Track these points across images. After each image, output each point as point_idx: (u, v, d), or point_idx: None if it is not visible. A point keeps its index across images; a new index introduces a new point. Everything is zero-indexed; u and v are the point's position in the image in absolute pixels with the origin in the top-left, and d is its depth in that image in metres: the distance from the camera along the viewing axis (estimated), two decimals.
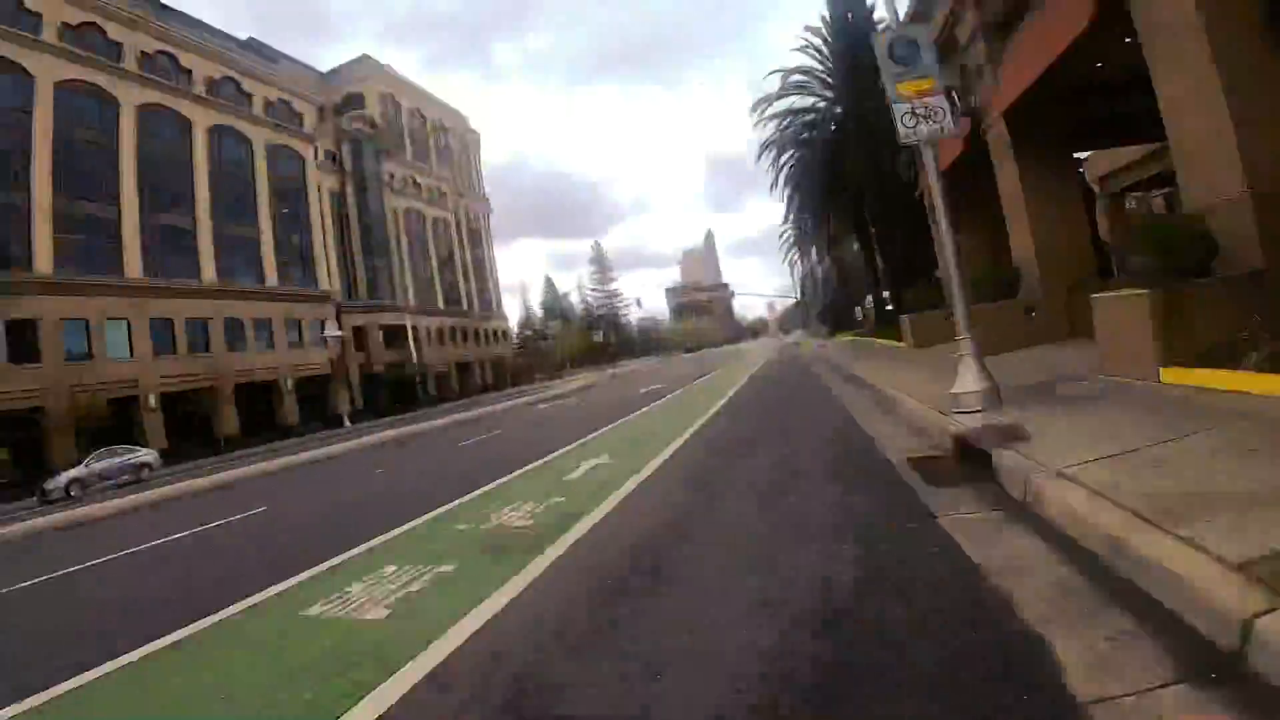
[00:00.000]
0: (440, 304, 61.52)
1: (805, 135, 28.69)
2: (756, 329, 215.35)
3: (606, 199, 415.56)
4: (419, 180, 63.12)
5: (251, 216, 44.38)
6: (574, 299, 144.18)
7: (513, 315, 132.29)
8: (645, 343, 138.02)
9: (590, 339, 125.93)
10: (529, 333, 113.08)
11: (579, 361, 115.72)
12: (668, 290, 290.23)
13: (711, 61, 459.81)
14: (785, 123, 28.71)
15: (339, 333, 41.92)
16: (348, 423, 40.08)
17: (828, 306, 54.29)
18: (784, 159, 29.40)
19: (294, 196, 48.02)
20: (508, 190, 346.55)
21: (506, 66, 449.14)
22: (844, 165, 25.52)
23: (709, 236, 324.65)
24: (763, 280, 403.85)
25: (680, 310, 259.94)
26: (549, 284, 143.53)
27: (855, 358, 16.63)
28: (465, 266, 68.58)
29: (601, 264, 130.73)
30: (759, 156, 29.26)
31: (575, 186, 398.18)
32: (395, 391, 53.00)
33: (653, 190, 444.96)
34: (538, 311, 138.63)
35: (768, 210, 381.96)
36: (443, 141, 71.61)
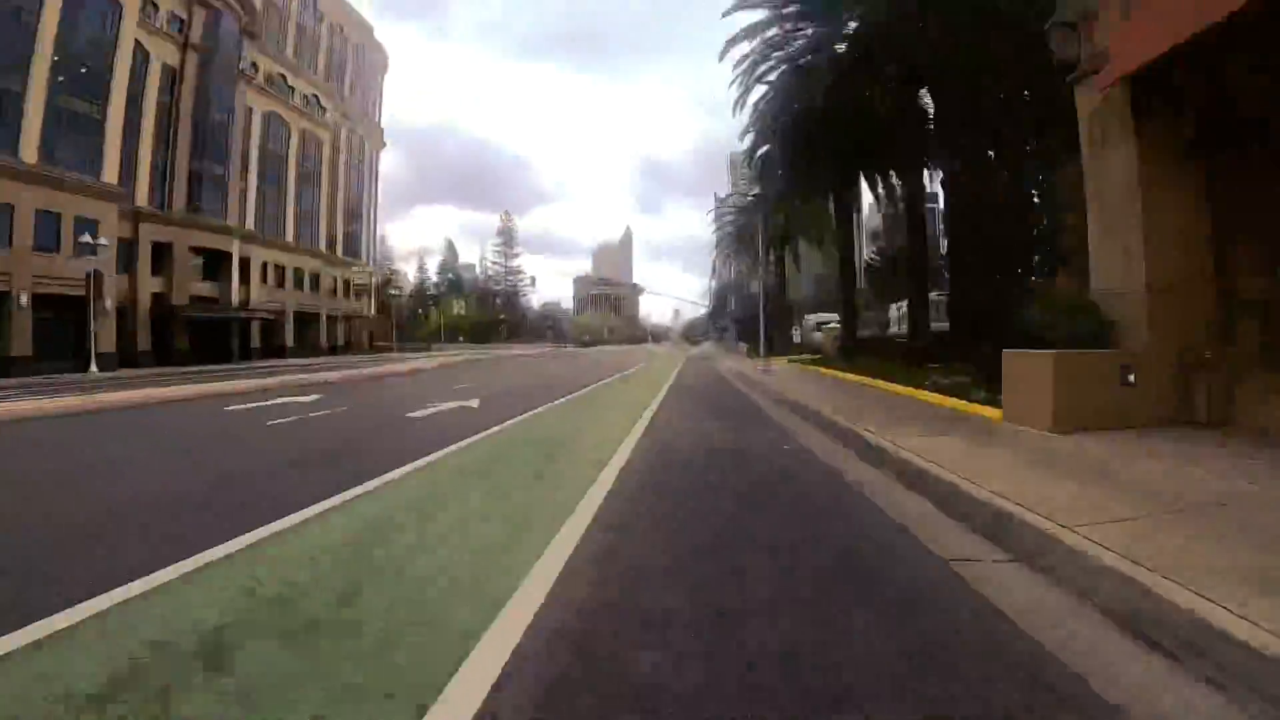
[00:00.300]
0: (290, 238, 50.05)
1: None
2: (658, 334, 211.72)
3: (531, 179, 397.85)
4: (292, 81, 51.27)
5: (20, 64, 32.11)
6: (477, 271, 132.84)
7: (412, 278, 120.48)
8: (541, 328, 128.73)
9: (484, 313, 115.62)
10: (394, 294, 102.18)
11: (464, 335, 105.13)
12: (576, 280, 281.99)
13: (659, 66, 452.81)
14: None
15: (103, 241, 30.56)
16: (94, 367, 29.01)
17: (763, 318, 48.30)
18: (765, 67, 21.80)
19: (96, 54, 35.78)
20: (433, 152, 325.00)
21: (459, 26, 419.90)
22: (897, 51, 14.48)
23: (627, 234, 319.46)
24: (677, 291, 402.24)
25: (586, 302, 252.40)
26: (450, 247, 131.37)
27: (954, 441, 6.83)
28: (335, 200, 57.03)
29: (508, 237, 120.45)
30: (722, 55, 21.69)
31: (502, 160, 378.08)
32: (202, 335, 41.47)
33: (579, 179, 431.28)
34: (433, 277, 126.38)
35: (688, 218, 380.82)
36: (338, 47, 59.66)
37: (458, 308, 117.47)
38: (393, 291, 72.96)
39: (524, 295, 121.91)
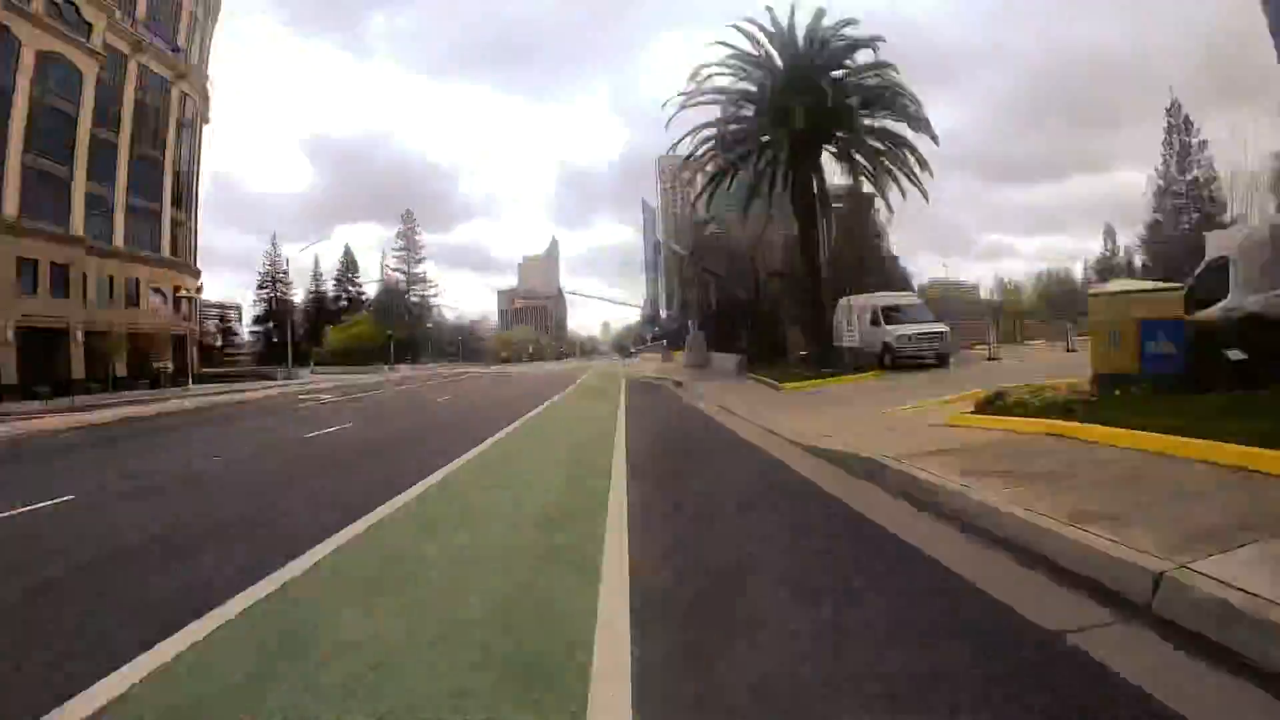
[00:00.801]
0: (11, 211, 31.49)
1: None
2: (587, 348, 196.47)
3: (457, 194, 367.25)
4: None
5: None
6: (392, 282, 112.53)
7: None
8: (452, 343, 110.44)
9: (385, 329, 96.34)
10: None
11: (337, 357, 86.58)
12: (500, 292, 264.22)
13: (577, 79, 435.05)
14: None
15: None
16: None
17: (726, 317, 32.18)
18: None
19: None
20: (353, 169, 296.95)
21: (377, 41, 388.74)
22: None
23: (553, 245, 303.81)
24: (600, 301, 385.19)
25: (511, 316, 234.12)
26: (346, 256, 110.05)
27: None
28: (112, 164, 38.50)
29: (409, 239, 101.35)
30: None
31: (426, 177, 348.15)
32: None
33: (505, 194, 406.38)
34: (330, 292, 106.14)
35: (613, 230, 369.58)
36: None
37: (354, 324, 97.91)
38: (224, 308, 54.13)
39: (433, 307, 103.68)
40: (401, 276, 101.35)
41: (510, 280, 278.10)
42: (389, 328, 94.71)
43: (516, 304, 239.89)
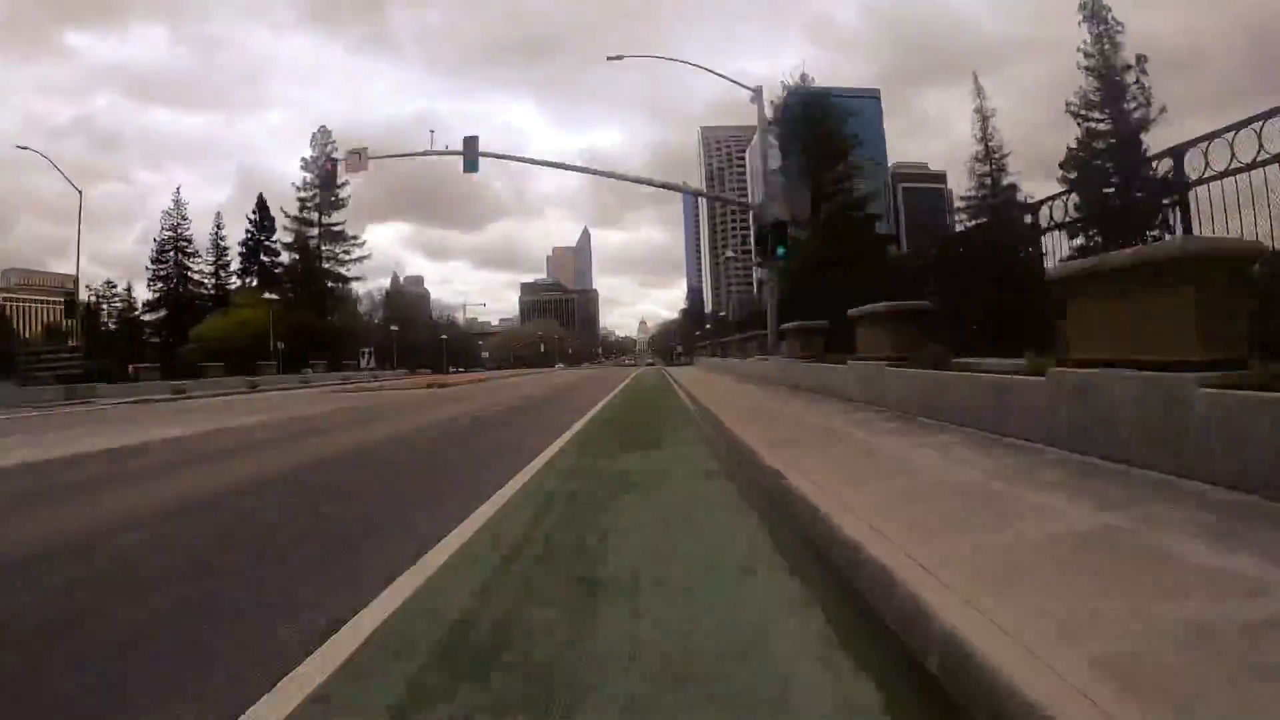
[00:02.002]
0: None
1: None
2: (612, 349, 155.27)
3: (489, 192, 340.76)
4: None
5: None
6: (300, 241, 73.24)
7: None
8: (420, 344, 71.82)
9: (300, 313, 57.71)
10: None
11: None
12: (523, 285, 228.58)
13: (609, 73, 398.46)
14: None
15: None
16: None
17: None
18: None
19: None
20: (385, 165, 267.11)
21: (403, 37, 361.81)
22: None
23: (585, 236, 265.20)
24: (639, 303, 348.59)
25: (532, 311, 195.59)
26: (259, 210, 71.00)
27: None
28: None
29: (323, 169, 62.19)
30: None
31: (457, 174, 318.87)
32: None
33: (537, 192, 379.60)
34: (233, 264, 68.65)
35: (647, 229, 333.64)
36: None
37: (234, 311, 58.67)
38: None
39: (354, 278, 65.13)
40: (309, 230, 62.77)
41: (540, 277, 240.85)
42: (297, 311, 56.46)
43: (538, 298, 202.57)
